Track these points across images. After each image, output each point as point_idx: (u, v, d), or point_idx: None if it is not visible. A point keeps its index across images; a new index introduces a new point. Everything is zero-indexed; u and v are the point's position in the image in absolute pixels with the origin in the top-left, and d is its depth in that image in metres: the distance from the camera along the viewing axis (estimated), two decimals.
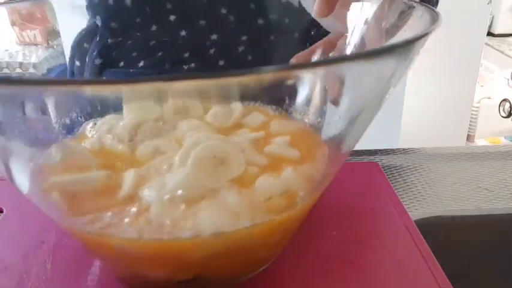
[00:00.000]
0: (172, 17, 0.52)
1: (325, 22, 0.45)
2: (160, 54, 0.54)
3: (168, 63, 0.54)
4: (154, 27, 0.52)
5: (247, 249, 0.31)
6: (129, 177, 0.31)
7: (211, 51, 0.54)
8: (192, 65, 0.54)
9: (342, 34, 0.41)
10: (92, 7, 0.53)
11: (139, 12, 0.52)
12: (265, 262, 0.35)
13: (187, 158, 0.30)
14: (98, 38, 0.55)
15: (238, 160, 0.31)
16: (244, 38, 0.54)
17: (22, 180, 0.31)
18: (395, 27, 0.36)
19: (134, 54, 0.54)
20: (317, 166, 0.35)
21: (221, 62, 0.55)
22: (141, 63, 0.54)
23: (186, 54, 0.54)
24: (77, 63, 0.54)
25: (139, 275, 0.33)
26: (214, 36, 0.53)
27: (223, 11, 0.52)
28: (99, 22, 0.53)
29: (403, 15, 0.35)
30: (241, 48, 0.55)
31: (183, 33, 0.53)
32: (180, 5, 0.52)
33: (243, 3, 0.53)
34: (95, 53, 0.54)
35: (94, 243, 0.31)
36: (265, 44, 0.55)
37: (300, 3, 0.53)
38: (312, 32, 0.51)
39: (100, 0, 0.52)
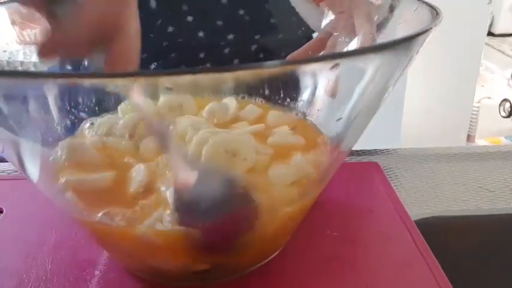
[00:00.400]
0: (189, 18, 0.52)
1: (312, 22, 0.46)
2: (173, 55, 0.54)
3: (183, 64, 0.55)
4: (170, 29, 0.52)
5: (262, 236, 0.32)
6: (140, 171, 0.32)
7: (226, 50, 0.55)
8: (207, 64, 0.55)
9: (331, 34, 0.42)
10: None
11: (161, 14, 0.52)
12: (269, 255, 0.36)
13: (199, 155, 0.30)
14: None
15: (251, 150, 0.31)
16: (257, 37, 0.55)
17: (33, 172, 0.31)
18: (385, 21, 0.36)
19: (144, 56, 0.54)
20: (320, 152, 0.35)
21: (236, 61, 0.55)
22: (153, 65, 0.54)
23: (202, 55, 0.55)
24: (69, 67, 0.54)
25: (154, 266, 0.33)
26: (230, 36, 0.54)
27: (241, 12, 0.53)
28: None
29: (392, 7, 0.35)
30: (254, 47, 0.56)
31: (200, 34, 0.53)
32: (198, 6, 0.53)
33: (259, 4, 0.54)
34: None
35: (114, 235, 0.32)
36: (274, 42, 0.56)
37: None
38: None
39: None
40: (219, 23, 0.53)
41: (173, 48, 0.54)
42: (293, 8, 0.56)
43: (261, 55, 0.56)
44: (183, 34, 0.53)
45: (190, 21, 0.52)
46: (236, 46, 0.54)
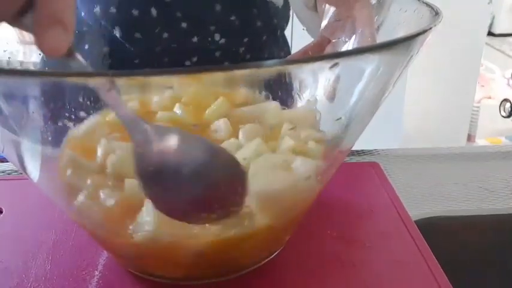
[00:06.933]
0: (184, 24, 0.54)
1: (311, 28, 0.47)
2: (166, 60, 0.55)
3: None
4: (165, 35, 0.54)
5: (262, 236, 0.32)
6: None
7: (217, 54, 0.56)
8: None
9: (329, 40, 0.43)
10: (108, 17, 0.53)
11: (160, 21, 0.53)
12: (269, 255, 0.36)
13: None
14: (86, 47, 0.54)
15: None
16: (246, 40, 0.57)
17: (33, 171, 0.31)
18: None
19: (136, 61, 0.55)
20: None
21: (226, 63, 0.56)
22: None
23: (195, 59, 0.56)
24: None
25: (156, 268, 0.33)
26: (222, 41, 0.55)
27: (233, 17, 0.55)
28: (118, 33, 0.53)
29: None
30: (242, 49, 0.58)
31: (194, 39, 0.54)
32: (192, 13, 0.54)
33: (248, 9, 0.56)
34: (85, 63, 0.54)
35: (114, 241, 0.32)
36: (259, 43, 0.59)
37: (284, 3, 0.57)
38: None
39: (121, 11, 0.52)
40: (212, 28, 0.54)
41: (166, 53, 0.55)
42: (274, 11, 0.59)
43: (248, 56, 0.58)
44: (176, 39, 0.54)
45: (185, 27, 0.54)
46: (226, 49, 0.56)
